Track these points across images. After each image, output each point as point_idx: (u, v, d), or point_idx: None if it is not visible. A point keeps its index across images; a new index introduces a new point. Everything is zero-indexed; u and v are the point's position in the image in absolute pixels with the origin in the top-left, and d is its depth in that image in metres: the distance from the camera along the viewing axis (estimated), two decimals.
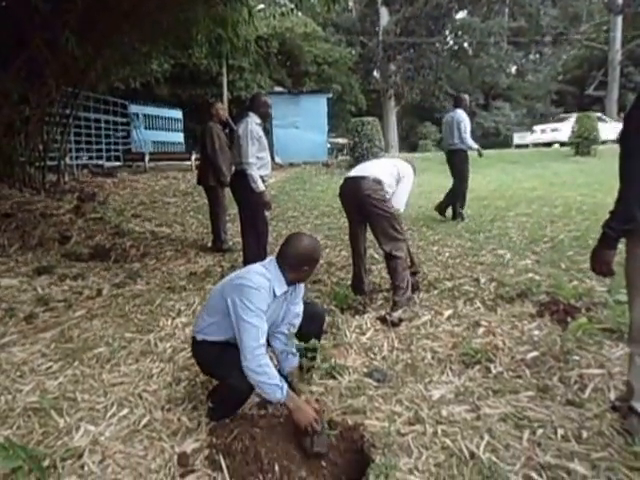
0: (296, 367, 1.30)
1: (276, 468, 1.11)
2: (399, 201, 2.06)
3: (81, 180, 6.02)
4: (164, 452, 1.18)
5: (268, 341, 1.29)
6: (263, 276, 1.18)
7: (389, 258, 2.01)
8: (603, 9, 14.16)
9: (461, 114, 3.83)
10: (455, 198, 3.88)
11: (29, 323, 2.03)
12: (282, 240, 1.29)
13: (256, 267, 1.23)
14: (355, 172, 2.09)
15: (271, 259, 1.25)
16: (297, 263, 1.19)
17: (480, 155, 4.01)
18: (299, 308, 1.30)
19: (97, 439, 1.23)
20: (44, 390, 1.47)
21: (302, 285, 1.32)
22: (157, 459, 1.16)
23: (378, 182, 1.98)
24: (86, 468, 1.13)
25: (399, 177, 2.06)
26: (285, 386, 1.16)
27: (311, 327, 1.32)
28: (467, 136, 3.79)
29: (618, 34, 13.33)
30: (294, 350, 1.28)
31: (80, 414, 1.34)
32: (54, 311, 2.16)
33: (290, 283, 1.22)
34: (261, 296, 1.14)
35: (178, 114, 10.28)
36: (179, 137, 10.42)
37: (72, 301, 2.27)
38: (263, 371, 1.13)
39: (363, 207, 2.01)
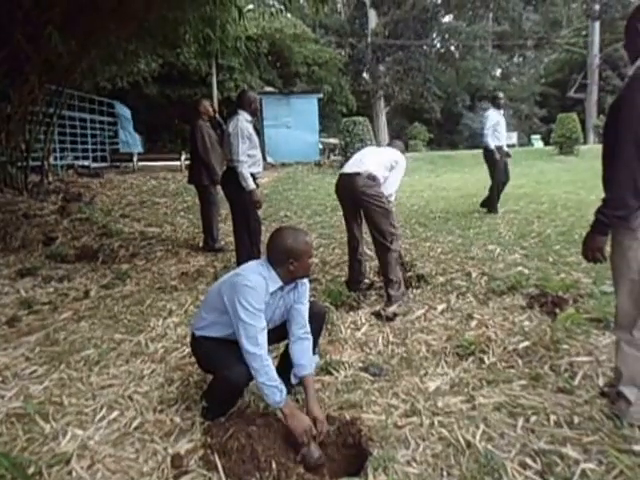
0: (311, 376, 1.22)
1: (273, 466, 1.09)
2: (391, 188, 2.09)
3: (66, 180, 5.83)
4: (157, 454, 1.15)
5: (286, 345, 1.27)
6: (259, 274, 1.16)
7: (383, 251, 2.02)
8: (582, 15, 14.76)
9: (490, 112, 3.96)
10: (497, 190, 3.95)
11: (12, 327, 1.95)
12: None
13: (253, 265, 1.22)
14: (350, 167, 2.10)
15: (265, 257, 1.24)
16: (281, 258, 1.17)
17: (493, 160, 4.00)
18: (304, 306, 1.28)
19: (86, 443, 1.18)
20: (28, 395, 1.41)
21: (306, 285, 1.27)
22: (149, 461, 1.12)
23: (372, 178, 2.00)
24: (74, 474, 1.08)
25: (392, 166, 2.09)
26: (284, 390, 1.14)
27: (312, 325, 1.31)
28: (486, 133, 3.92)
29: (596, 39, 13.93)
30: (306, 361, 1.23)
31: (67, 418, 1.29)
32: (38, 314, 2.09)
33: (286, 281, 1.19)
34: (258, 295, 1.13)
35: (126, 113, 8.97)
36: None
37: (57, 303, 2.20)
38: (264, 371, 1.12)
39: (358, 203, 2.03)
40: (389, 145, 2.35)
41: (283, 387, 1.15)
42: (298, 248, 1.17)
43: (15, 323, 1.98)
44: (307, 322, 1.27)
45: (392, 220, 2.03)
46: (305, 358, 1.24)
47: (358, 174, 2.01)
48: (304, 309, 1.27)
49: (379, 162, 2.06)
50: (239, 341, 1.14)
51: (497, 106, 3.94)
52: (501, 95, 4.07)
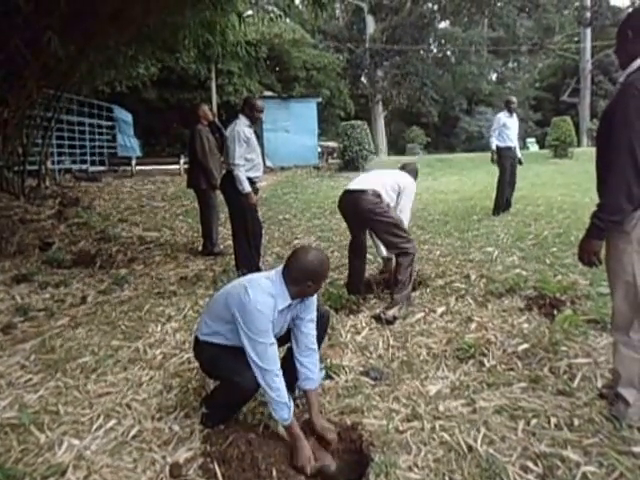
0: (316, 389, 1.22)
1: (274, 473, 1.08)
2: (404, 215, 2.08)
3: (63, 185, 5.81)
4: (155, 463, 1.13)
5: (291, 355, 1.26)
6: (268, 293, 1.14)
7: (397, 254, 2.04)
8: (574, 22, 15.09)
9: (499, 115, 4.09)
10: (500, 192, 4.03)
11: (6, 334, 1.92)
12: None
13: (262, 281, 1.18)
14: (354, 185, 2.08)
15: (277, 270, 1.20)
16: (301, 278, 1.15)
17: (492, 160, 4.12)
18: (311, 315, 1.26)
19: (82, 453, 1.16)
20: (23, 404, 1.39)
21: (313, 297, 1.24)
22: (147, 471, 1.11)
23: (377, 195, 1.99)
24: None
25: (400, 190, 2.07)
26: (292, 408, 1.13)
27: (316, 329, 1.29)
28: (491, 133, 4.09)
29: (588, 45, 14.24)
30: (313, 375, 1.22)
31: (63, 428, 1.27)
32: (34, 320, 2.06)
33: (294, 297, 1.17)
34: (264, 317, 1.12)
35: (127, 117, 8.89)
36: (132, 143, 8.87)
37: (54, 310, 2.17)
38: (276, 387, 1.11)
39: (365, 221, 2.03)
40: (402, 168, 2.28)
41: (292, 404, 1.13)
42: (321, 273, 1.16)
43: (10, 330, 1.95)
44: (314, 332, 1.26)
45: (402, 229, 2.02)
46: (311, 373, 1.22)
47: (362, 191, 2.00)
48: (311, 319, 1.25)
49: (383, 182, 2.04)
50: (248, 357, 1.13)
51: (509, 110, 4.02)
52: (514, 100, 4.14)
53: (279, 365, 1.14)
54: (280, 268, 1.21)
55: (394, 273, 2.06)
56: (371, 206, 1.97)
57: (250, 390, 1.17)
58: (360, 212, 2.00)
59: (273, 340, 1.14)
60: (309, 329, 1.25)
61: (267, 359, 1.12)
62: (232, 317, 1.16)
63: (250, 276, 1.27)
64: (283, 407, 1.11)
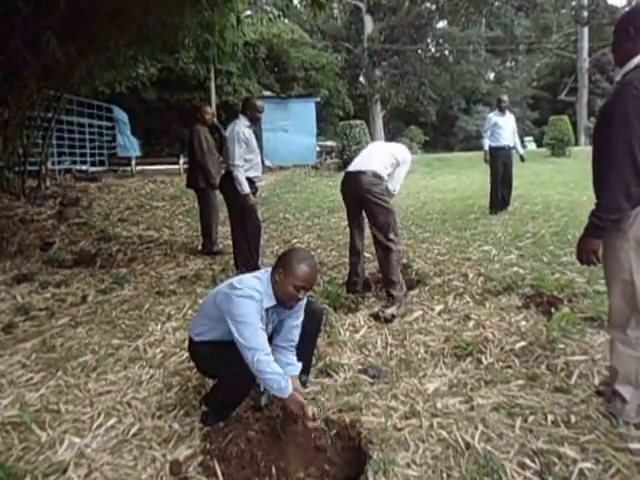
0: (295, 377, 1.25)
1: (273, 471, 1.09)
2: (395, 182, 2.16)
3: (64, 185, 5.81)
4: (155, 461, 1.14)
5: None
6: (254, 289, 1.17)
7: (385, 252, 2.05)
8: (571, 21, 15.10)
9: (490, 114, 4.12)
10: (494, 191, 4.07)
11: (7, 333, 1.93)
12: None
13: (250, 279, 1.21)
14: (355, 166, 2.15)
15: (267, 270, 1.23)
16: (278, 264, 1.18)
17: (485, 160, 4.14)
18: (296, 322, 1.27)
19: (83, 452, 1.17)
20: (24, 403, 1.40)
21: (301, 305, 1.24)
22: (148, 469, 1.12)
23: (378, 176, 2.05)
24: None
25: (398, 163, 2.14)
26: (289, 379, 1.13)
27: (309, 325, 1.31)
28: (484, 134, 4.11)
29: (585, 44, 14.25)
30: (295, 363, 1.26)
31: (64, 426, 1.28)
32: (35, 320, 2.07)
33: (279, 301, 1.18)
34: (252, 307, 1.14)
35: (125, 116, 8.56)
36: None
37: (54, 309, 2.18)
38: (267, 361, 1.10)
39: (362, 201, 2.07)
40: (396, 141, 2.37)
41: (287, 376, 1.13)
42: (307, 280, 1.15)
43: (11, 329, 1.96)
44: (295, 339, 1.27)
45: (394, 220, 2.07)
46: (292, 361, 1.24)
47: (363, 172, 2.05)
48: (295, 326, 1.26)
49: (383, 161, 2.11)
50: (237, 342, 1.13)
51: (500, 109, 4.02)
52: (505, 98, 4.13)
53: (266, 345, 1.14)
54: (270, 269, 1.23)
55: (384, 274, 2.08)
56: (370, 186, 2.03)
57: (246, 385, 1.18)
58: (359, 190, 2.05)
59: (262, 325, 1.15)
60: (293, 335, 1.26)
61: (255, 340, 1.12)
62: (221, 314, 1.17)
63: (239, 276, 1.28)
64: (278, 378, 1.09)
